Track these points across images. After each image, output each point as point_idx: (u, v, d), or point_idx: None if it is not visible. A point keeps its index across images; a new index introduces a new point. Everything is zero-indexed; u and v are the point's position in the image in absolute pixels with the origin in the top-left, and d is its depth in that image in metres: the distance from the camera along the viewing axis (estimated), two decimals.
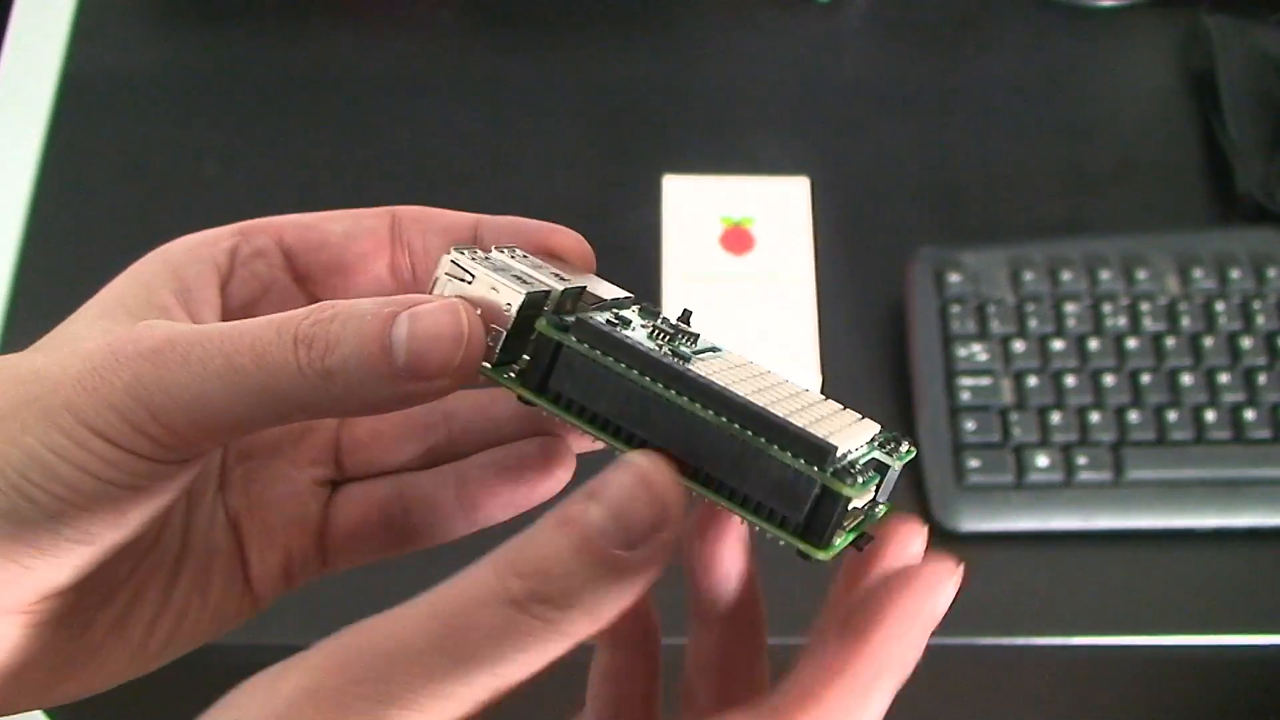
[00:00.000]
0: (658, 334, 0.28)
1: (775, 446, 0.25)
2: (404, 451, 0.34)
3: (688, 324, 0.29)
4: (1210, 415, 0.67)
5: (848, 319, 0.72)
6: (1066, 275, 0.70)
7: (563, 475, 0.33)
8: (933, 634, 0.24)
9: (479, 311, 0.27)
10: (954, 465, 0.66)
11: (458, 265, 0.27)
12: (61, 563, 0.27)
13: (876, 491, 0.27)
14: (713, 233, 0.72)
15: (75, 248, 0.76)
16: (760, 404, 0.25)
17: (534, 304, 0.28)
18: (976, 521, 0.66)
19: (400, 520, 0.33)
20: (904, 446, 0.28)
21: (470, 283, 0.27)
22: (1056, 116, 0.81)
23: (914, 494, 0.67)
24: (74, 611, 0.29)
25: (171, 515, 0.31)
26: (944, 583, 0.25)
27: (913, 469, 0.68)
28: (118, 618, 0.30)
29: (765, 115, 0.81)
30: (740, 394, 0.25)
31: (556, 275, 0.29)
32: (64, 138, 0.79)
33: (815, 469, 0.24)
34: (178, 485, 0.28)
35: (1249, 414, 0.67)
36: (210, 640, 0.32)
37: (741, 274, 0.70)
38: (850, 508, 0.25)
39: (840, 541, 0.25)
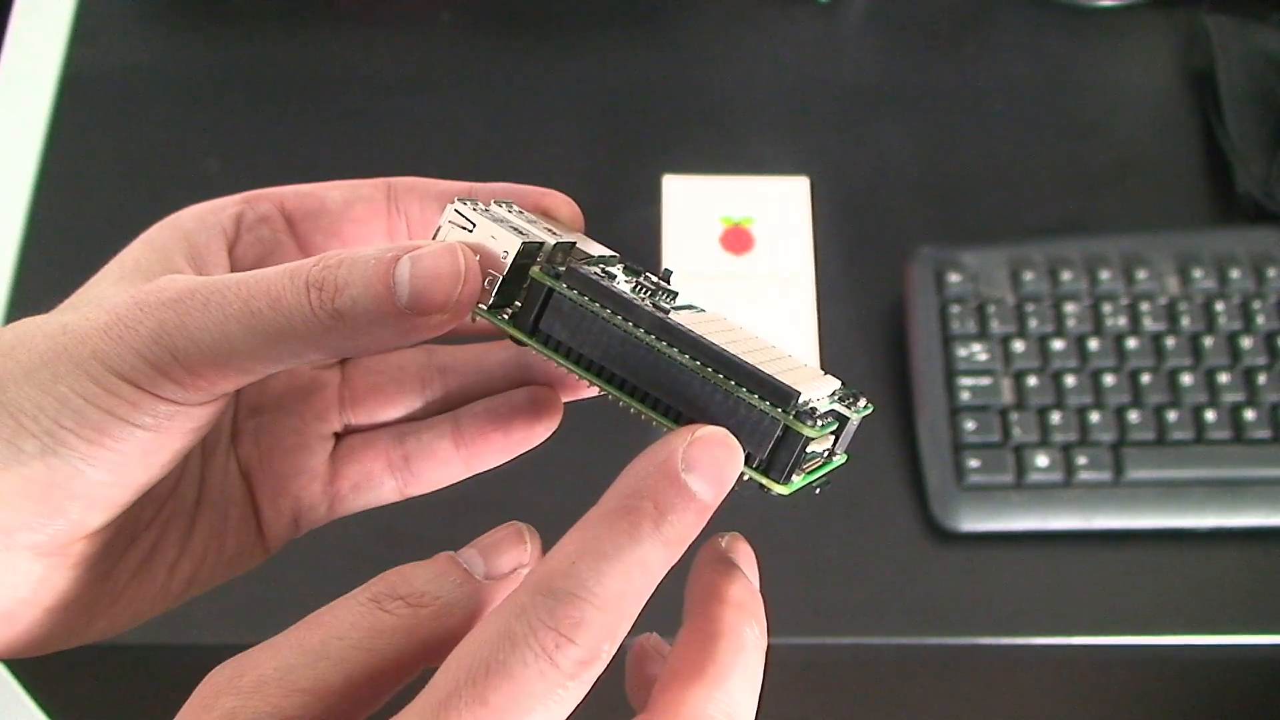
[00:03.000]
0: (640, 289, 0.30)
1: (744, 389, 0.27)
2: (403, 404, 0.36)
3: (668, 282, 0.31)
4: (1210, 415, 0.67)
5: (848, 319, 0.72)
6: (1066, 275, 0.70)
7: (551, 422, 0.35)
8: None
9: (478, 258, 0.29)
10: (954, 465, 0.66)
11: (460, 214, 0.30)
12: (92, 505, 0.29)
13: (835, 441, 0.29)
14: (713, 233, 0.72)
15: (75, 248, 0.76)
16: (733, 352, 0.27)
17: (528, 253, 0.30)
18: (976, 521, 0.66)
19: (401, 468, 0.35)
20: (862, 402, 0.30)
21: (471, 230, 0.30)
22: (1056, 116, 0.81)
23: (914, 494, 0.67)
24: (103, 555, 0.31)
25: (188, 466, 0.33)
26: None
27: (913, 469, 0.68)
28: (142, 561, 0.32)
29: (765, 115, 0.81)
30: (715, 342, 0.28)
31: (549, 230, 0.32)
32: (64, 138, 0.79)
33: (779, 410, 0.27)
34: (197, 428, 0.30)
35: (1249, 414, 0.67)
36: (227, 579, 0.34)
37: (741, 274, 0.70)
38: (809, 450, 0.27)
39: (800, 480, 0.28)
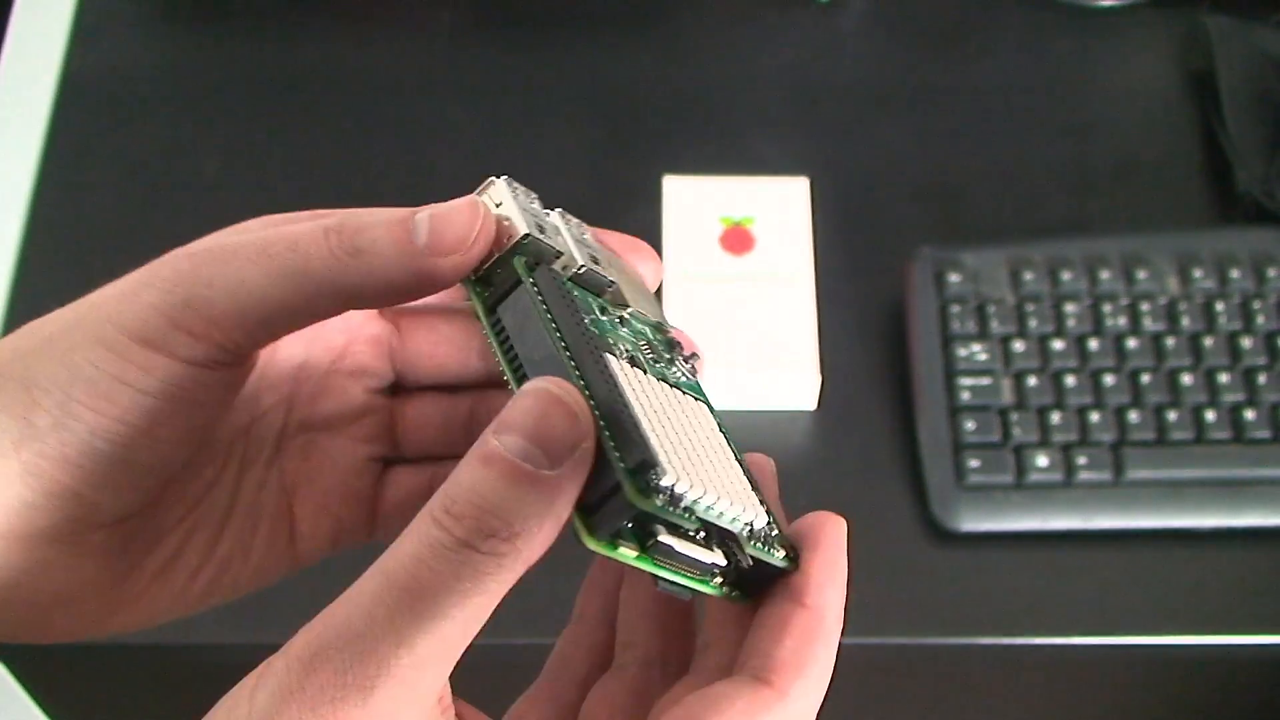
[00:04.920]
0: (649, 346, 0.31)
1: (608, 433, 0.26)
2: (450, 443, 0.35)
3: (687, 363, 0.32)
4: (1210, 415, 0.67)
5: (848, 319, 0.72)
6: (1066, 275, 0.70)
7: None
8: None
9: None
10: (954, 465, 0.66)
11: (496, 188, 0.31)
12: (104, 485, 0.29)
13: (727, 564, 0.28)
14: (713, 233, 0.72)
15: (75, 248, 0.76)
16: (637, 409, 0.27)
17: (532, 250, 0.30)
18: (976, 521, 0.66)
19: None
20: (779, 553, 0.29)
21: (498, 206, 0.30)
22: (1056, 116, 0.81)
23: (914, 494, 0.67)
24: (123, 550, 0.31)
25: (224, 474, 0.33)
26: (843, 530, 0.29)
27: (913, 468, 0.68)
28: (163, 564, 0.32)
29: (765, 115, 0.81)
30: (627, 392, 0.27)
31: (593, 258, 0.31)
32: (64, 138, 0.79)
33: (622, 464, 0.26)
34: (207, 401, 0.30)
35: (1249, 414, 0.67)
36: (250, 592, 0.34)
37: (741, 274, 0.70)
38: (678, 549, 0.26)
39: (622, 549, 0.26)
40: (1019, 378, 0.68)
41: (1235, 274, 0.70)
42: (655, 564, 0.27)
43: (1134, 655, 0.67)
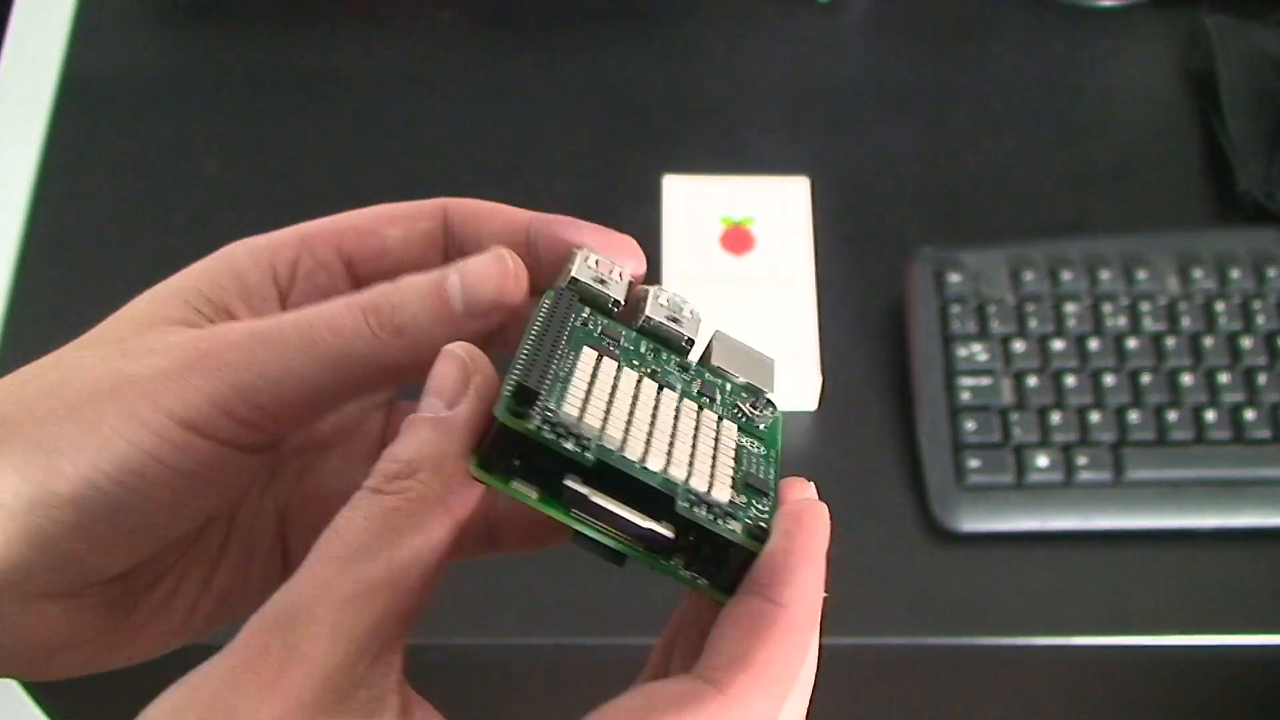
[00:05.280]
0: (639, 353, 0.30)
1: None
2: (465, 547, 0.34)
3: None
4: (1210, 415, 0.67)
5: (848, 319, 0.72)
6: (1066, 275, 0.70)
7: None
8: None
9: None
10: (954, 465, 0.66)
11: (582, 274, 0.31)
12: (113, 552, 0.29)
13: (684, 536, 0.27)
14: (713, 233, 0.72)
15: (75, 248, 0.76)
16: (543, 353, 0.27)
17: (590, 297, 0.31)
18: (976, 521, 0.66)
19: None
20: (734, 526, 0.27)
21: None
22: (1056, 116, 0.81)
23: (914, 494, 0.67)
24: (121, 598, 0.30)
25: (220, 519, 0.33)
26: (821, 519, 0.27)
27: (913, 468, 0.68)
28: (161, 602, 0.32)
29: (765, 115, 0.81)
30: (546, 349, 0.28)
31: (671, 317, 0.32)
32: (64, 138, 0.79)
33: (504, 390, 0.26)
34: (239, 481, 0.30)
35: (1249, 414, 0.67)
36: (247, 615, 0.34)
37: (741, 274, 0.70)
38: (572, 485, 0.26)
39: (516, 486, 0.26)
40: (1019, 378, 0.68)
41: (1235, 274, 0.70)
42: (568, 515, 0.26)
43: (1134, 655, 0.67)
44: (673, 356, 0.32)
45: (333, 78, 0.82)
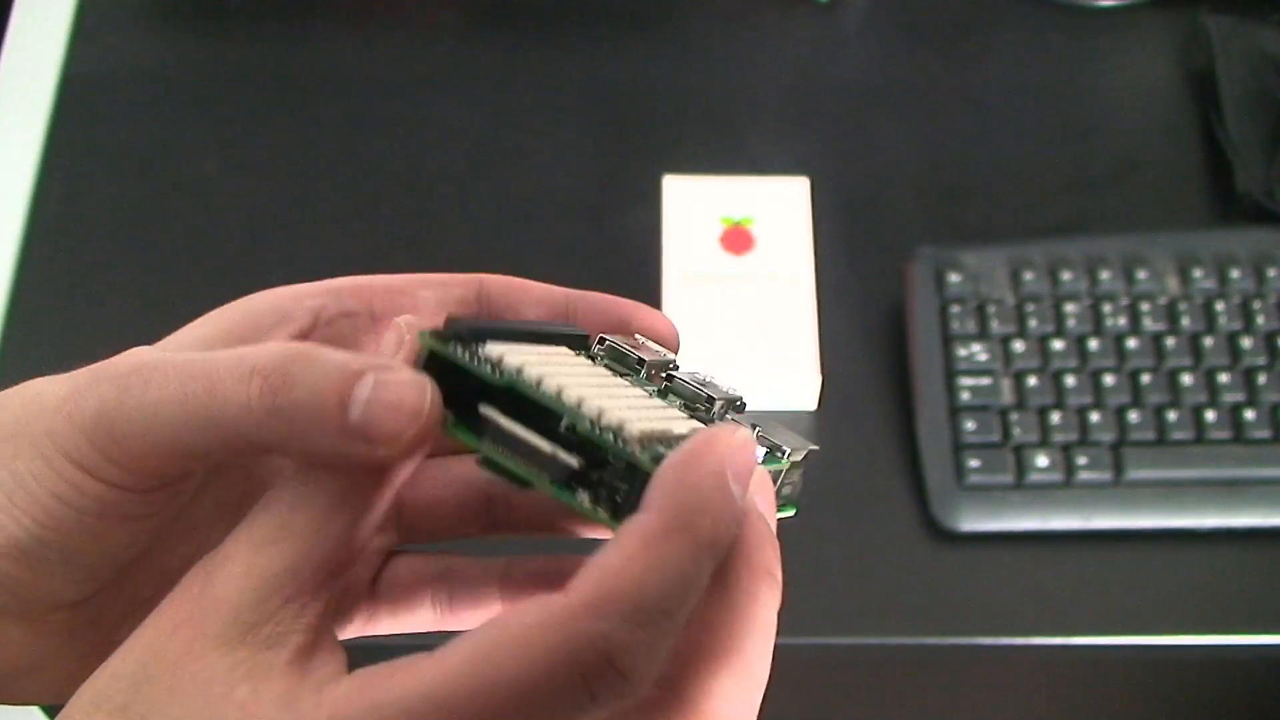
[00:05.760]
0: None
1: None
2: (460, 526, 0.34)
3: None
4: (1210, 415, 0.67)
5: (848, 319, 0.72)
6: (1066, 275, 0.70)
7: None
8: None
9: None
10: (954, 465, 0.66)
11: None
12: (57, 582, 0.28)
13: (594, 471, 0.26)
14: (713, 233, 0.72)
15: (75, 248, 0.76)
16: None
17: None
18: (976, 521, 0.66)
19: (444, 604, 0.34)
20: (632, 446, 0.26)
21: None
22: (1056, 116, 0.81)
23: (914, 494, 0.67)
24: (92, 626, 0.30)
25: (205, 550, 0.31)
26: (740, 439, 0.25)
27: (913, 468, 0.68)
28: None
29: (765, 115, 0.81)
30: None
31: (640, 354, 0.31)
32: (64, 138, 0.79)
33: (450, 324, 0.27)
34: (156, 514, 0.29)
35: (1249, 414, 0.67)
36: None
37: (741, 274, 0.70)
38: (485, 412, 0.26)
39: (459, 432, 0.27)
40: (1019, 378, 0.68)
41: (1235, 274, 0.70)
42: (479, 441, 0.27)
43: (1134, 655, 0.67)
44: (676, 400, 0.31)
45: (333, 78, 0.82)
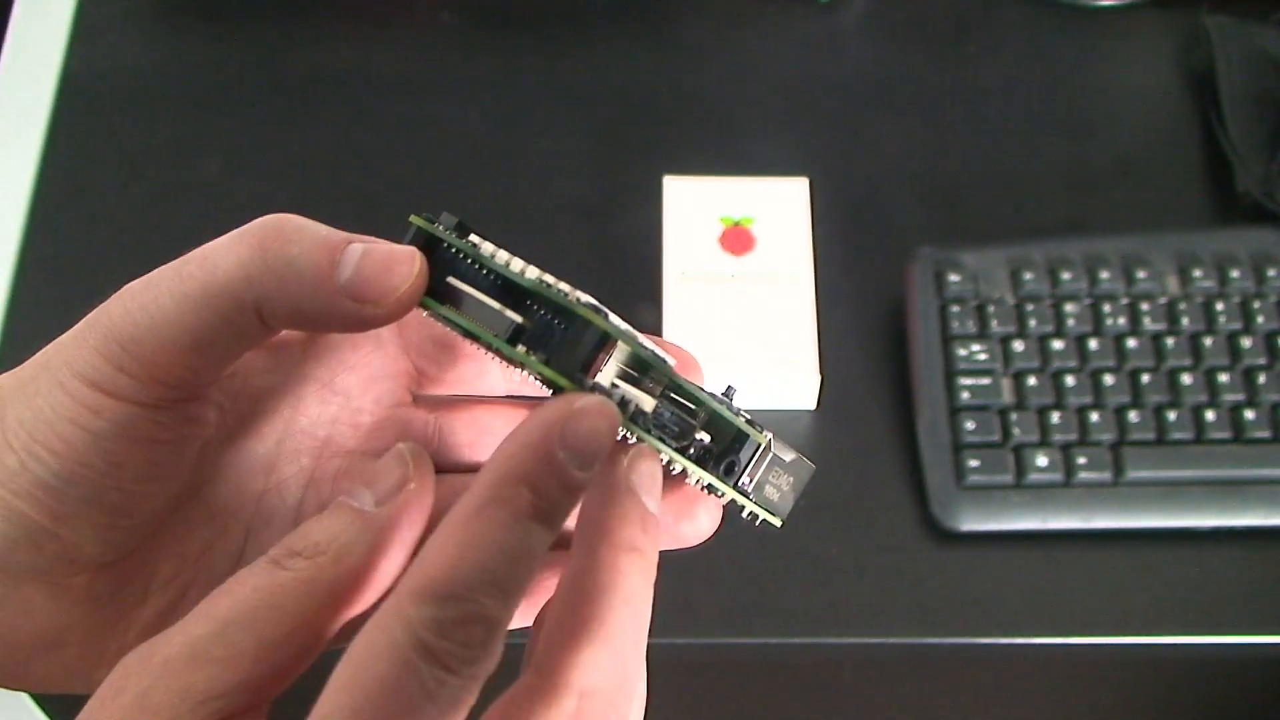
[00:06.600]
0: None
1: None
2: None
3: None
4: (1210, 415, 0.67)
5: (848, 319, 0.72)
6: (1066, 275, 0.70)
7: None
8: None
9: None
10: (954, 465, 0.66)
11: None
12: (83, 531, 0.29)
13: (534, 326, 0.29)
14: (713, 233, 0.72)
15: (75, 247, 0.76)
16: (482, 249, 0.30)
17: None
18: (976, 521, 0.66)
19: None
20: (569, 293, 0.29)
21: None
22: (1056, 116, 0.81)
23: (914, 494, 0.67)
24: (110, 599, 0.30)
25: (225, 537, 0.32)
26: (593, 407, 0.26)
27: (913, 468, 0.68)
28: (154, 620, 0.31)
29: (765, 115, 0.81)
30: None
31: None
32: (64, 138, 0.79)
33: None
34: (169, 440, 0.29)
35: (1249, 414, 0.67)
36: None
37: (741, 274, 0.70)
38: (450, 282, 0.29)
39: (433, 306, 0.30)
40: (1019, 378, 0.68)
41: (1235, 274, 0.70)
42: (441, 305, 0.29)
43: (1134, 655, 0.67)
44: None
45: (333, 78, 0.82)
